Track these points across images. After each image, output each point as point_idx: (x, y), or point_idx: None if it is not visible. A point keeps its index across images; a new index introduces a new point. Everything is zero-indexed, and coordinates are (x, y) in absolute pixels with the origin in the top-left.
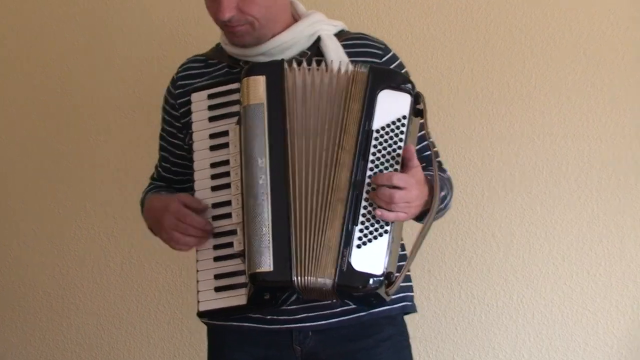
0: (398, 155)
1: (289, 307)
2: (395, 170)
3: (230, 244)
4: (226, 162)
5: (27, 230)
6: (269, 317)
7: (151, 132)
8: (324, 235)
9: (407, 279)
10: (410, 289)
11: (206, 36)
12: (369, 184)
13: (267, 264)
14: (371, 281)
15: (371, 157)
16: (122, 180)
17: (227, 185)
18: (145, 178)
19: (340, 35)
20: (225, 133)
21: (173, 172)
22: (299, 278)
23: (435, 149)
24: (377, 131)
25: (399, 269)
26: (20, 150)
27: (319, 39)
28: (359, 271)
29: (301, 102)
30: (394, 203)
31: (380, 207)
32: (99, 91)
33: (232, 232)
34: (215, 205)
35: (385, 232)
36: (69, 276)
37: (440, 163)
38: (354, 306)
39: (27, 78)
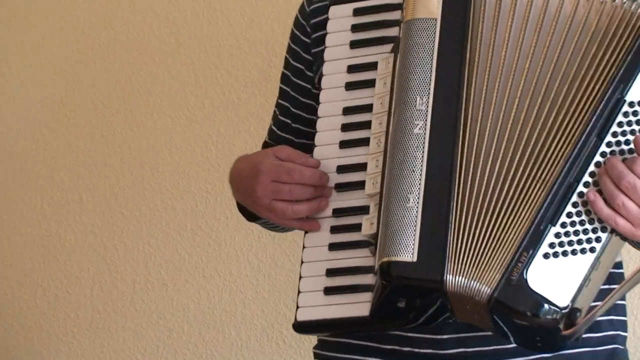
0: None
1: (436, 336)
2: None
3: (355, 227)
4: (367, 108)
5: None
6: (406, 348)
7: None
8: (500, 225)
9: (621, 310)
10: (623, 325)
11: None
12: (592, 174)
13: (408, 251)
14: (544, 309)
15: (609, 138)
16: None
17: (364, 142)
18: None
19: None
20: (371, 66)
21: (294, 130)
22: (452, 278)
23: None
24: (632, 104)
25: (590, 309)
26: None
27: None
28: (532, 290)
29: (504, 27)
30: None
31: (605, 201)
32: None
33: (361, 210)
34: (341, 169)
35: (593, 249)
36: None
37: None
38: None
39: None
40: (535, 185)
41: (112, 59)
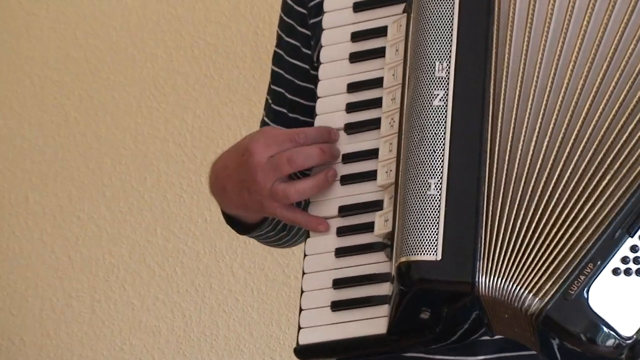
0: None
1: (469, 358)
2: None
3: (367, 227)
4: (376, 83)
5: None
6: None
7: None
8: (558, 222)
9: None
10: None
11: None
12: None
13: (431, 247)
14: (604, 334)
15: None
16: None
17: (374, 123)
18: None
19: None
20: (380, 32)
21: (290, 121)
22: (486, 279)
23: None
24: None
25: None
26: None
27: None
28: (593, 310)
29: None
30: None
31: None
32: None
33: (374, 206)
34: (348, 158)
35: None
36: None
37: None
38: None
39: None
40: (614, 178)
41: (62, 27)
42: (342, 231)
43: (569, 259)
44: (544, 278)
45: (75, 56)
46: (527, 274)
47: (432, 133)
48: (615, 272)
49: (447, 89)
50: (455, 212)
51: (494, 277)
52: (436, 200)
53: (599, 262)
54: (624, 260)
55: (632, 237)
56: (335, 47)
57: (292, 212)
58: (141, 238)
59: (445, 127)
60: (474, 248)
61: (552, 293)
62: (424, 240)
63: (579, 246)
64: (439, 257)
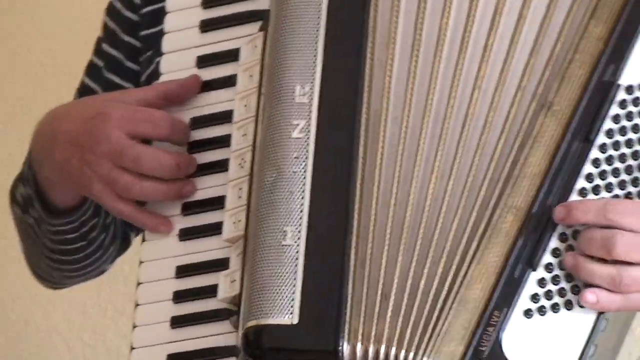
0: None
1: None
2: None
3: (210, 291)
4: (225, 116)
5: None
6: None
7: None
8: (446, 267)
9: None
10: None
11: None
12: (582, 192)
13: (286, 309)
14: None
15: (603, 138)
16: None
17: (219, 165)
18: None
19: None
20: (231, 55)
21: None
22: (356, 346)
23: None
24: (630, 90)
25: None
26: None
27: None
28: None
29: None
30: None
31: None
32: None
33: (218, 265)
34: (188, 209)
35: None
36: None
37: None
38: None
39: None
40: (502, 210)
41: None
42: (180, 296)
43: (467, 312)
44: (442, 339)
45: None
46: (416, 337)
47: (290, 171)
48: (527, 313)
49: (310, 118)
50: (316, 266)
51: (370, 342)
52: (293, 252)
53: (505, 309)
54: (534, 298)
55: (535, 270)
56: (177, 74)
57: (125, 205)
58: None
59: (306, 164)
60: (339, 308)
61: (459, 356)
62: (277, 300)
63: (479, 294)
64: (296, 321)
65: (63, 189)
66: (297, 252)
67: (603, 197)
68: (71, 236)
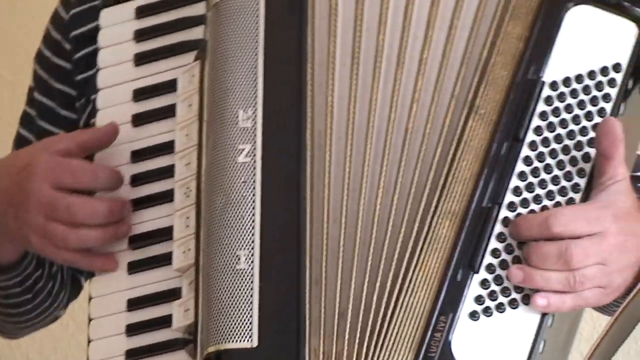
0: (590, 144)
1: None
2: (576, 185)
3: (163, 322)
4: (166, 147)
5: None
6: None
7: None
8: (394, 278)
9: None
10: None
11: None
12: (516, 190)
13: (245, 332)
14: None
15: (532, 136)
16: None
17: (164, 196)
18: None
19: None
20: (168, 86)
21: None
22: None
23: None
24: (554, 85)
25: None
26: None
27: None
28: None
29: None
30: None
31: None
32: None
33: (170, 296)
34: (134, 241)
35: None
36: None
37: None
38: None
39: None
40: (439, 217)
41: None
42: (133, 329)
43: (417, 318)
44: (394, 347)
45: None
46: (370, 352)
47: (238, 195)
48: (474, 316)
49: (255, 142)
50: (272, 288)
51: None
52: (247, 275)
53: (450, 313)
54: (478, 300)
55: (477, 272)
56: (114, 109)
57: (66, 253)
58: None
59: (254, 188)
60: (298, 329)
61: (411, 354)
62: (235, 324)
63: (424, 301)
64: (255, 344)
65: (3, 247)
66: (251, 275)
67: (538, 195)
68: (16, 290)
